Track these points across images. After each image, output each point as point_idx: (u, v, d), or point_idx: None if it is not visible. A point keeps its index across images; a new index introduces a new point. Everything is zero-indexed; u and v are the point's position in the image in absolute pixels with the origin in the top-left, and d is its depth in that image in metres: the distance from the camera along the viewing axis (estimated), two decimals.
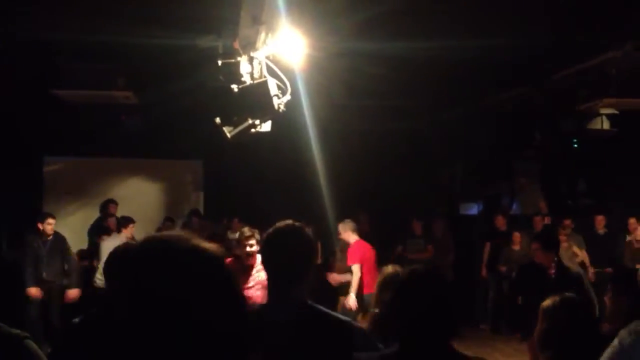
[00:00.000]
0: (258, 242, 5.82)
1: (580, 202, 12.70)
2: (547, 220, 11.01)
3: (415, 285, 2.20)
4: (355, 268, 7.57)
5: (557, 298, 2.71)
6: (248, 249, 5.82)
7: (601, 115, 7.42)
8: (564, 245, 9.73)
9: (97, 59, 6.87)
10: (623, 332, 2.22)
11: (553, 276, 5.78)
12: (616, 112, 7.47)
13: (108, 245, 7.80)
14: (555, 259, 5.87)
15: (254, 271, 5.86)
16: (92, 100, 7.66)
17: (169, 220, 10.21)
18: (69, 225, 9.88)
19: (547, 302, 2.73)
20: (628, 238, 9.98)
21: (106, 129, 9.75)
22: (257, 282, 5.83)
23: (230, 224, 10.32)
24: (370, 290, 5.83)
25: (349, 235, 7.91)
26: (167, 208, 11.49)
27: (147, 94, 7.57)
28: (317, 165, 8.74)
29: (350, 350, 2.28)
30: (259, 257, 5.72)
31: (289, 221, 2.55)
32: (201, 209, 11.81)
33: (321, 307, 2.46)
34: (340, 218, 9.26)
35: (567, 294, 2.77)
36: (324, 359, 2.29)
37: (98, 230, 9.59)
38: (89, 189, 11.04)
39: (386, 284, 3.51)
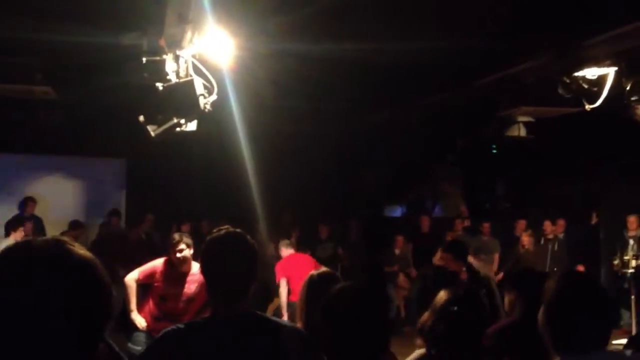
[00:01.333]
0: (189, 246, 5.54)
1: (498, 205, 13.16)
2: (466, 223, 11.36)
3: (342, 305, 2.16)
4: (282, 282, 7.85)
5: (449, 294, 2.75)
6: (179, 254, 5.52)
7: (519, 122, 7.70)
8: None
9: (14, 53, 6.60)
10: None
11: (465, 280, 5.99)
12: (532, 119, 7.76)
13: None
14: (464, 266, 6.06)
15: (189, 277, 5.55)
16: (9, 94, 7.36)
17: (76, 225, 9.81)
18: None
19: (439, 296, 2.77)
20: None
21: (24, 125, 9.40)
22: (185, 295, 5.60)
23: (143, 219, 10.12)
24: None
25: (284, 252, 8.20)
26: (88, 207, 11.17)
27: (68, 90, 7.33)
28: (245, 165, 8.70)
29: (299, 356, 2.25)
30: (194, 264, 5.51)
31: (228, 227, 2.46)
32: (123, 209, 11.54)
33: (265, 315, 2.42)
34: (267, 218, 9.27)
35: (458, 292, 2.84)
36: None
37: (8, 228, 9.23)
38: (5, 186, 10.60)
39: (307, 294, 3.40)
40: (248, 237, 2.43)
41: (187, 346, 2.23)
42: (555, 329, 2.15)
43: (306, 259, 8.17)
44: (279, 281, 7.89)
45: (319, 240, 10.73)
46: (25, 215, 9.64)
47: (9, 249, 1.17)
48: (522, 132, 7.73)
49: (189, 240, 5.57)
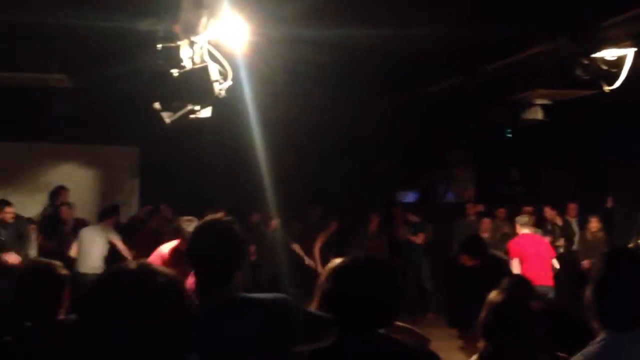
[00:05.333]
0: None
1: (513, 190, 13.10)
2: (480, 209, 11.32)
3: (351, 272, 2.18)
4: (514, 262, 7.75)
5: (502, 292, 2.81)
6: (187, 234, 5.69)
7: (535, 105, 7.64)
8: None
9: (29, 40, 6.61)
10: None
11: (481, 267, 6.01)
12: (549, 102, 7.71)
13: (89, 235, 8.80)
14: (479, 259, 6.06)
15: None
16: (24, 82, 7.39)
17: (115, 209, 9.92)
18: None
19: (492, 295, 2.83)
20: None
21: (39, 113, 9.43)
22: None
23: (157, 210, 10.15)
24: None
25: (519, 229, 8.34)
26: (102, 195, 11.20)
27: (82, 78, 7.35)
28: (258, 153, 8.68)
29: (289, 326, 2.24)
30: None
31: (218, 215, 2.54)
32: (137, 197, 11.59)
33: (248, 295, 2.41)
34: (280, 206, 9.27)
35: (511, 291, 2.89)
36: (267, 341, 2.25)
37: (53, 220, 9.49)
38: (21, 175, 10.65)
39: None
40: (235, 225, 2.47)
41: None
42: (603, 306, 2.18)
43: (540, 241, 8.29)
44: (511, 259, 7.76)
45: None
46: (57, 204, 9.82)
47: (108, 276, 1.36)
48: (539, 115, 7.68)
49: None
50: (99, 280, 1.32)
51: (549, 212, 10.77)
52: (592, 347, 2.13)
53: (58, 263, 3.09)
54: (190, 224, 5.56)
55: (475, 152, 12.90)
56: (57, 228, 9.45)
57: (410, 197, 13.59)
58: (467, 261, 6.01)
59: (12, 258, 8.14)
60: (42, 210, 9.94)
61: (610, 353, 2.08)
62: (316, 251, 10.07)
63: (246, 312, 2.29)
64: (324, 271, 3.58)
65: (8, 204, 8.48)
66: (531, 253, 7.87)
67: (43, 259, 3.09)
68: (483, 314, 2.79)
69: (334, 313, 2.14)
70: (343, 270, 2.21)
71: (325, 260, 7.88)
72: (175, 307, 1.29)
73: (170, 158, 10.79)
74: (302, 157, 10.97)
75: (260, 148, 8.70)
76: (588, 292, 2.24)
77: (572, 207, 11.13)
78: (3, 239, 8.29)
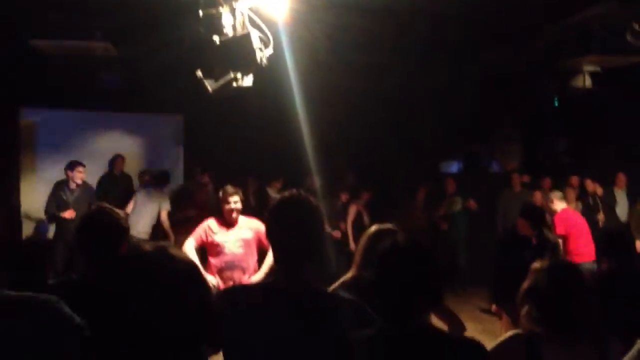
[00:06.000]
0: (242, 200, 5.91)
1: (559, 160, 12.82)
2: (525, 179, 11.11)
3: (394, 260, 2.11)
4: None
5: (546, 262, 2.76)
6: (232, 205, 5.81)
7: (584, 72, 7.40)
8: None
9: (75, 10, 6.70)
10: None
11: (534, 244, 5.91)
12: (598, 69, 7.46)
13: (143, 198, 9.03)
14: (536, 231, 5.96)
15: (236, 228, 5.87)
16: (70, 51, 7.50)
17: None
18: (44, 180, 9.80)
19: (537, 264, 2.77)
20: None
21: (84, 82, 9.58)
22: (239, 239, 5.82)
23: (202, 177, 10.26)
24: None
25: (557, 205, 7.94)
26: (148, 164, 11.36)
27: (126, 46, 7.42)
28: (301, 122, 8.67)
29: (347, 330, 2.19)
30: (241, 218, 5.90)
31: (294, 192, 2.42)
32: (181, 165, 11.73)
33: (324, 290, 2.38)
34: (323, 175, 9.25)
35: (558, 260, 2.84)
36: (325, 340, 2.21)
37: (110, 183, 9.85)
38: (66, 143, 10.87)
39: (365, 247, 3.42)
40: (314, 202, 2.39)
41: (244, 309, 2.25)
42: None
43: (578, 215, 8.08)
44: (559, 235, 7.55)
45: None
46: (116, 174, 10.12)
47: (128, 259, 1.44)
48: (588, 82, 7.43)
49: (241, 194, 5.91)
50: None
51: (590, 185, 10.47)
52: None
53: (122, 214, 3.14)
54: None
55: (523, 121, 12.64)
56: (114, 183, 9.77)
57: (454, 167, 13.44)
58: (525, 229, 5.89)
59: (69, 213, 8.37)
60: (99, 178, 10.13)
61: None
62: (349, 224, 9.97)
63: (316, 307, 2.26)
64: (361, 242, 3.54)
65: (82, 164, 8.68)
66: (575, 228, 7.69)
67: (108, 206, 3.10)
68: (529, 281, 2.74)
69: (376, 302, 2.11)
70: (384, 258, 2.13)
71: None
72: (193, 291, 1.35)
73: (214, 127, 10.87)
74: (345, 126, 10.91)
75: (303, 117, 8.69)
76: None
77: (621, 178, 10.66)
78: (66, 198, 8.48)
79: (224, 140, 10.90)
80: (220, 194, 5.95)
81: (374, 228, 3.54)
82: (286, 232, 2.32)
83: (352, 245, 9.45)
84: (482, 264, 10.21)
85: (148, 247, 1.42)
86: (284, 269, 2.33)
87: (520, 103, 10.51)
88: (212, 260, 5.84)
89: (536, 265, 2.76)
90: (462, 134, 12.24)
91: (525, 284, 2.74)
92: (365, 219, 9.90)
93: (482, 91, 10.22)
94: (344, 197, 10.17)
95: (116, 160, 10.28)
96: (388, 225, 3.49)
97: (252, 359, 2.22)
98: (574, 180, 10.58)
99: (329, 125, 10.31)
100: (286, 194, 2.41)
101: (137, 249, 1.42)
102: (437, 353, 1.98)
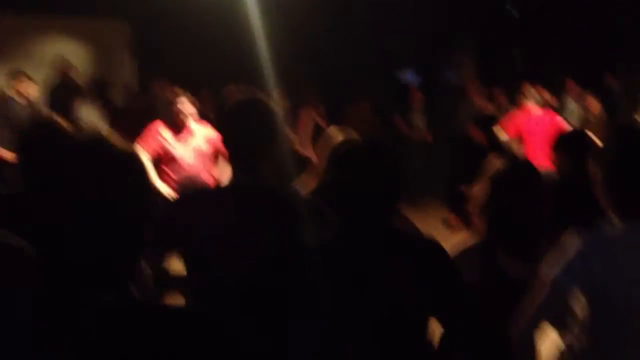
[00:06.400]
0: (193, 103, 5.69)
1: (515, 69, 12.90)
2: (481, 89, 11.12)
3: (354, 159, 2.02)
4: None
5: (504, 161, 2.68)
6: (179, 106, 5.57)
7: None
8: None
9: None
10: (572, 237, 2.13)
11: (488, 150, 5.97)
12: None
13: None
14: (489, 137, 5.98)
15: (190, 138, 5.63)
16: None
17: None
18: None
19: (493, 159, 2.70)
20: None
21: None
22: (194, 150, 5.60)
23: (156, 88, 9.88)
24: None
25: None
26: (94, 74, 10.82)
27: None
28: (258, 30, 8.36)
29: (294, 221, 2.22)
30: (192, 123, 5.65)
31: (250, 92, 2.41)
32: (135, 76, 11.28)
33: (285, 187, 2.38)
34: (283, 88, 9.04)
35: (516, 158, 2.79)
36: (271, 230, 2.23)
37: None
38: (6, 51, 10.22)
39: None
40: (269, 101, 2.37)
41: (195, 210, 2.27)
42: (615, 191, 2.05)
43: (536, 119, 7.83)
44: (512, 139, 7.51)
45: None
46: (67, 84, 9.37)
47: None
48: None
49: (190, 97, 5.67)
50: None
51: (543, 94, 10.53)
52: (610, 230, 2.02)
53: (65, 123, 2.94)
54: None
55: (478, 31, 12.60)
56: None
57: (410, 76, 13.42)
58: (478, 135, 5.91)
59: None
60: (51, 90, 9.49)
61: (625, 238, 1.98)
62: (303, 132, 9.81)
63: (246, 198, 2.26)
64: (324, 150, 3.47)
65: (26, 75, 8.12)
66: (531, 133, 7.59)
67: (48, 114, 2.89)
68: (482, 187, 2.66)
69: (336, 204, 2.03)
70: (345, 157, 2.04)
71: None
72: (132, 180, 1.24)
73: (170, 37, 10.41)
74: (304, 35, 10.64)
75: (260, 25, 8.39)
76: (595, 176, 2.10)
77: (571, 85, 10.81)
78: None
79: (179, 52, 10.49)
80: (169, 96, 5.74)
81: (337, 135, 3.50)
82: (241, 129, 2.30)
83: (306, 151, 9.32)
84: (439, 173, 10.38)
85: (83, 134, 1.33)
86: (238, 167, 2.32)
87: (476, 11, 10.39)
88: (167, 170, 5.61)
89: (490, 166, 2.67)
90: (419, 42, 12.13)
91: (478, 190, 2.66)
92: (321, 127, 9.78)
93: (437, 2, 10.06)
94: (304, 109, 10.01)
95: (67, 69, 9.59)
96: (353, 135, 3.43)
97: (207, 253, 2.22)
98: (527, 87, 10.63)
99: (288, 32, 10.00)
100: (242, 95, 2.39)
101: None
102: (398, 254, 1.94)
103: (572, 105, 10.70)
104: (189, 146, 5.62)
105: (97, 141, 1.25)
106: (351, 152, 2.05)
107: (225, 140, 2.37)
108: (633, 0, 9.87)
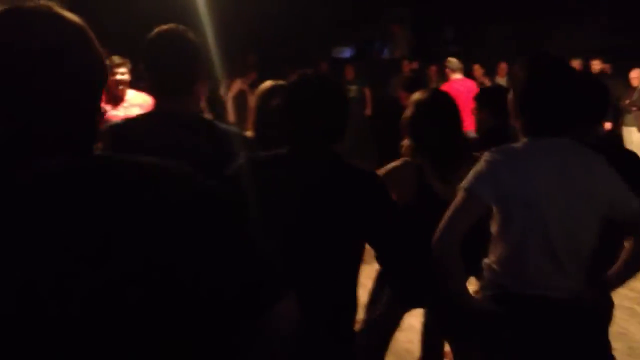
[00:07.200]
0: (130, 72, 5.56)
1: (447, 49, 13.22)
2: (414, 66, 11.41)
3: (304, 87, 2.06)
4: None
5: (424, 93, 2.92)
6: (119, 77, 5.45)
7: None
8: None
9: None
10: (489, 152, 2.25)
11: None
12: None
13: None
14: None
15: (123, 106, 5.53)
16: None
17: None
18: None
19: (415, 95, 2.92)
20: None
21: None
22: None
23: None
24: None
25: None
26: None
27: None
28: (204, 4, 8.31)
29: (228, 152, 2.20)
30: (129, 92, 5.56)
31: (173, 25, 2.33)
32: None
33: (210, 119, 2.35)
34: (221, 56, 9.07)
35: (435, 90, 3.01)
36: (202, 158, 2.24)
37: None
38: None
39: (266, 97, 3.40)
40: (191, 34, 2.33)
41: (125, 134, 2.26)
42: (526, 116, 2.21)
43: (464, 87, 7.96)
44: None
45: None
46: None
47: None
48: None
49: (129, 65, 5.55)
50: None
51: (477, 71, 10.91)
52: (516, 146, 2.21)
53: None
54: None
55: (412, 9, 12.81)
56: None
57: (346, 52, 13.57)
58: (406, 100, 6.05)
59: None
60: None
61: (527, 150, 2.17)
62: (229, 99, 9.81)
63: (194, 130, 2.26)
64: (254, 101, 3.50)
65: None
66: (462, 99, 7.90)
67: None
68: (408, 112, 2.89)
69: (284, 127, 2.07)
70: (294, 86, 2.08)
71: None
72: (83, 50, 1.15)
73: (99, 4, 10.26)
74: (240, 9, 10.65)
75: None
76: (510, 105, 2.28)
77: (502, 67, 11.19)
78: None
79: (110, 21, 10.33)
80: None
81: (266, 84, 3.52)
82: (167, 58, 2.27)
83: (231, 117, 9.33)
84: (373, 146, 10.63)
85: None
86: (165, 99, 2.30)
87: None
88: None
89: (414, 96, 2.93)
90: (353, 17, 12.26)
91: (405, 114, 2.90)
92: (249, 98, 9.82)
93: None
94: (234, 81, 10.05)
95: None
96: (280, 82, 3.49)
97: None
98: (449, 59, 10.95)
99: (226, 9, 10.00)
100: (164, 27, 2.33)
101: None
102: (336, 180, 2.02)
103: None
104: (123, 114, 5.38)
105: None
106: (302, 82, 2.07)
107: (151, 72, 2.33)
108: None
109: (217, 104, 8.73)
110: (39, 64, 1.08)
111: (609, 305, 2.61)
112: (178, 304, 1.12)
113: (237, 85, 9.95)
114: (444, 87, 8.13)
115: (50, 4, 1.16)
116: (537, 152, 2.15)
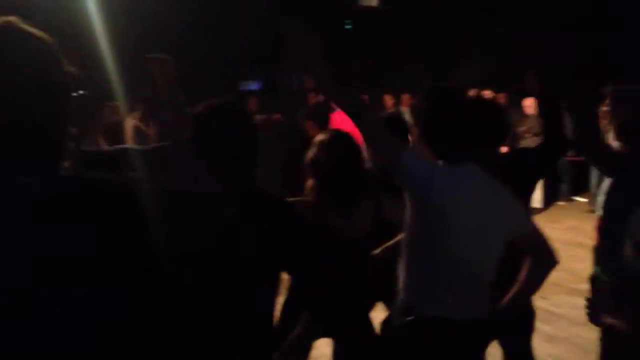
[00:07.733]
0: None
1: (352, 83, 13.50)
2: (320, 98, 11.54)
3: (211, 115, 1.99)
4: None
5: (330, 132, 3.04)
6: None
7: None
8: None
9: None
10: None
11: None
12: None
13: None
14: (323, 129, 6.25)
15: None
16: None
17: None
18: None
19: (318, 137, 3.03)
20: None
21: None
22: None
23: None
24: None
25: None
26: None
27: None
28: (99, 31, 8.15)
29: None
30: None
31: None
32: None
33: None
34: (122, 71, 8.90)
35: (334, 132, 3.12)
36: None
37: None
38: None
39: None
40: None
41: None
42: (430, 145, 2.33)
43: None
44: None
45: None
46: None
47: None
48: (374, 2, 7.67)
49: None
50: None
51: (388, 101, 11.23)
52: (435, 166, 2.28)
53: None
54: None
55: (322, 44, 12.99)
56: None
57: (254, 85, 13.62)
58: (312, 129, 5.99)
59: None
60: None
61: (448, 171, 2.26)
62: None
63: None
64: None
65: None
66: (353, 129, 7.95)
67: None
68: (310, 152, 2.98)
69: (194, 161, 2.01)
70: (201, 114, 2.01)
71: None
72: (50, 70, 1.16)
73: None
74: (146, 39, 10.53)
75: (100, 25, 8.19)
76: (416, 133, 2.39)
77: (406, 97, 11.58)
78: None
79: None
80: None
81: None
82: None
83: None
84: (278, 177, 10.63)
85: None
86: None
87: (314, 22, 10.75)
88: None
89: (317, 138, 3.02)
90: (261, 51, 12.36)
91: (307, 155, 2.98)
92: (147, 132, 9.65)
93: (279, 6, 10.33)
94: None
95: None
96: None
97: None
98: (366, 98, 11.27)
99: (129, 37, 9.85)
100: None
101: None
102: (255, 210, 1.97)
103: (406, 116, 11.40)
104: None
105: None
106: (208, 110, 2.01)
107: None
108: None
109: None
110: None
111: (529, 318, 2.88)
112: (176, 303, 1.21)
113: (130, 124, 9.77)
114: (335, 115, 8.26)
115: (14, 20, 1.17)
116: (453, 177, 2.25)
